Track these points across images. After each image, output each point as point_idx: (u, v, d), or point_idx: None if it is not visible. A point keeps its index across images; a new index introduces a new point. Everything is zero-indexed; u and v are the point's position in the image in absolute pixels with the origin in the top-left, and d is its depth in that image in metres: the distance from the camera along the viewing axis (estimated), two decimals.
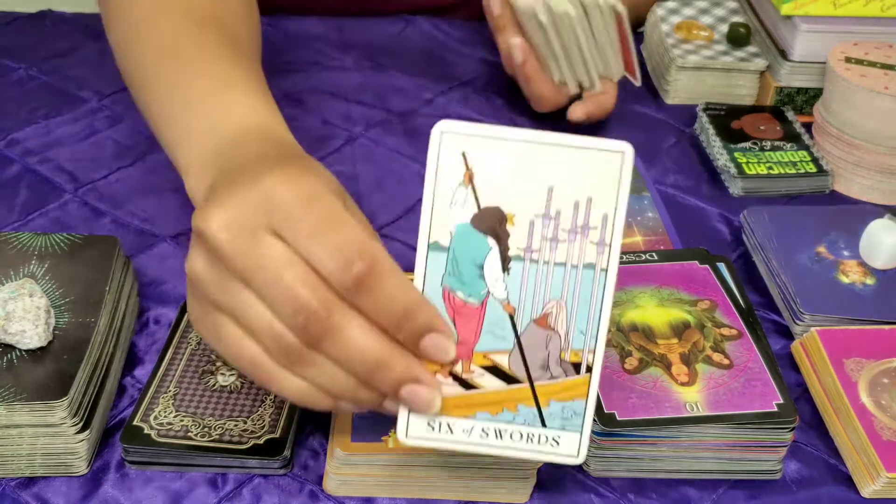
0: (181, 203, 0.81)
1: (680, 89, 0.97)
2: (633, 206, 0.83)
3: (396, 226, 0.80)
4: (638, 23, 1.13)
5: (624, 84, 1.01)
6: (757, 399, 0.60)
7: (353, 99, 0.96)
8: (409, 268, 0.77)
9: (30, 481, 0.59)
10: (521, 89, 0.93)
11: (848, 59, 0.86)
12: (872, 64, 0.85)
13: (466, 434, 0.52)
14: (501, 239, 0.51)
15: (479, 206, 0.50)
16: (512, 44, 0.89)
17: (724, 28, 1.00)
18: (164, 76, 0.69)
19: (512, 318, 0.51)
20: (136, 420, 0.60)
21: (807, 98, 0.94)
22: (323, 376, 0.50)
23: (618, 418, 0.59)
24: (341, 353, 0.49)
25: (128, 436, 0.59)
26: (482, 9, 1.01)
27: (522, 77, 0.91)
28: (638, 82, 0.92)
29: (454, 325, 0.51)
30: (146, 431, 0.60)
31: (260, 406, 0.62)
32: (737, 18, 1.01)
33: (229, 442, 0.59)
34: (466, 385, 0.52)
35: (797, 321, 0.71)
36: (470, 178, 0.50)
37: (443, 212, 0.50)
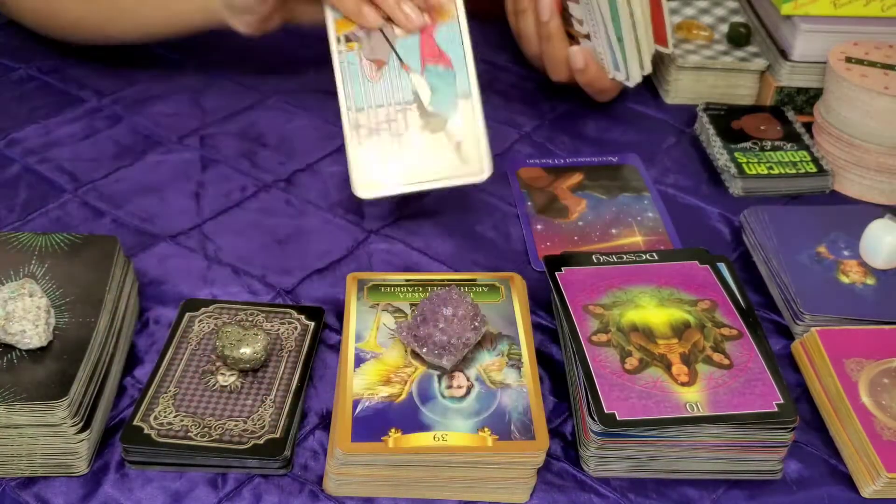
0: (181, 203, 0.81)
1: (680, 89, 0.97)
2: (632, 206, 0.83)
3: (396, 225, 0.80)
4: None
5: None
6: (757, 399, 0.60)
7: None
8: (407, 268, 0.77)
9: (30, 481, 0.59)
10: (526, 54, 0.94)
11: (848, 59, 0.86)
12: (872, 64, 0.85)
13: None
14: None
15: None
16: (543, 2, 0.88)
17: (724, 28, 1.00)
18: None
19: None
20: (136, 420, 0.60)
21: (807, 98, 0.94)
22: None
23: (618, 418, 0.59)
24: None
25: (128, 436, 0.59)
26: (483, 11, 1.00)
27: (545, 34, 0.89)
28: (670, 49, 0.90)
29: None
30: (146, 431, 0.60)
31: (260, 406, 0.62)
32: (737, 18, 1.01)
33: (229, 442, 0.59)
34: None
35: (797, 321, 0.71)
36: None
37: None
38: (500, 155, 0.89)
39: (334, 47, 0.70)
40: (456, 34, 0.70)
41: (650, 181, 0.86)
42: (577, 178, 0.86)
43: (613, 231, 0.80)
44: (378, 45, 0.69)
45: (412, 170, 0.68)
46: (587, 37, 0.86)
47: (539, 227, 0.80)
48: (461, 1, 0.71)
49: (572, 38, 0.89)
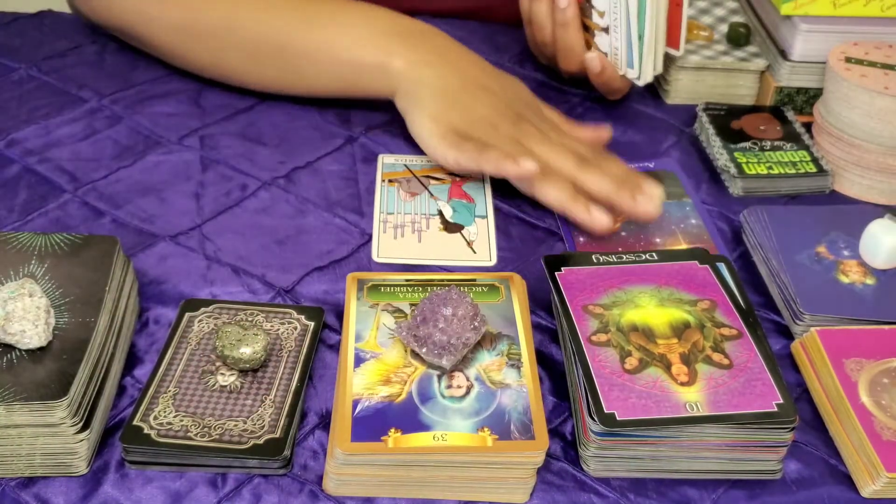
0: (181, 203, 0.81)
1: (680, 89, 0.97)
2: (674, 213, 0.82)
3: None
4: None
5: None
6: (757, 399, 0.60)
7: (354, 99, 0.96)
8: (409, 269, 0.77)
9: (30, 481, 0.59)
10: (533, 42, 0.95)
11: (848, 59, 0.86)
12: (872, 64, 0.85)
13: None
14: None
15: None
16: None
17: (724, 28, 1.00)
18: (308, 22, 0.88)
19: None
20: (136, 420, 0.60)
21: (807, 98, 0.94)
22: (593, 179, 0.78)
23: (618, 418, 0.59)
24: (611, 167, 0.80)
25: (128, 436, 0.59)
26: (482, 11, 1.01)
27: (560, 21, 0.89)
28: (680, 52, 0.91)
29: None
30: (146, 431, 0.60)
31: (260, 406, 0.62)
32: (737, 18, 1.01)
33: (229, 442, 0.59)
34: None
35: (797, 321, 0.71)
36: None
37: None
38: None
39: (378, 184, 0.83)
40: (481, 186, 0.84)
41: (691, 187, 0.85)
42: None
43: (658, 240, 0.79)
44: (414, 185, 0.83)
45: (428, 252, 0.77)
46: (605, 30, 0.87)
47: (582, 238, 0.79)
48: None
49: (586, 28, 0.89)
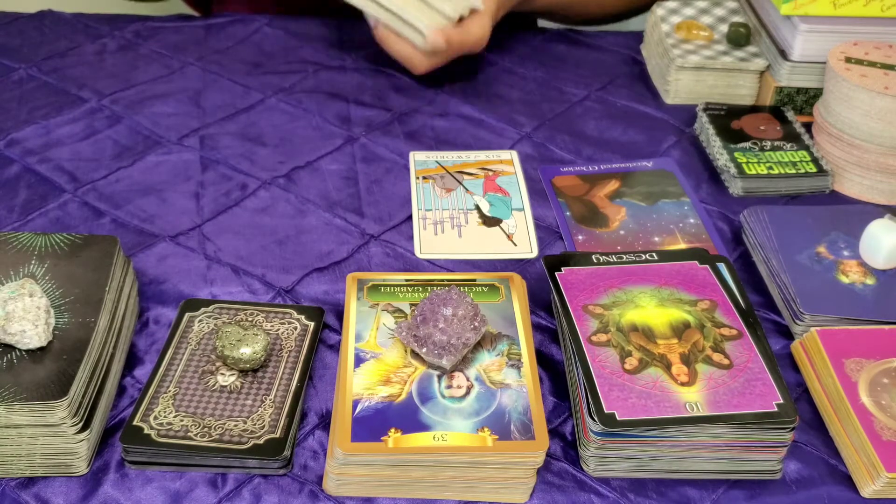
0: (181, 203, 0.81)
1: (680, 89, 0.97)
2: (673, 212, 0.82)
3: (397, 231, 0.80)
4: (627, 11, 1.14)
5: (626, 84, 1.01)
6: (757, 399, 0.60)
7: (353, 99, 0.96)
8: (409, 268, 0.77)
9: (30, 481, 0.59)
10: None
11: (848, 59, 0.86)
12: (872, 64, 0.85)
13: None
14: None
15: None
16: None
17: (724, 28, 1.00)
18: None
19: None
20: (136, 420, 0.60)
21: (807, 98, 0.94)
22: None
23: (618, 418, 0.59)
24: None
25: (128, 436, 0.59)
26: None
27: (382, 42, 0.95)
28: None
29: None
30: (146, 431, 0.60)
31: (260, 406, 0.62)
32: (737, 18, 1.01)
33: (229, 442, 0.59)
34: None
35: (797, 321, 0.71)
36: None
37: None
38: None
39: (413, 181, 0.85)
40: (514, 179, 0.85)
41: (689, 187, 0.85)
42: (613, 185, 0.86)
43: (656, 239, 0.79)
44: (449, 181, 0.85)
45: (470, 246, 0.78)
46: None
47: (581, 237, 0.79)
48: (519, 164, 0.87)
49: None
